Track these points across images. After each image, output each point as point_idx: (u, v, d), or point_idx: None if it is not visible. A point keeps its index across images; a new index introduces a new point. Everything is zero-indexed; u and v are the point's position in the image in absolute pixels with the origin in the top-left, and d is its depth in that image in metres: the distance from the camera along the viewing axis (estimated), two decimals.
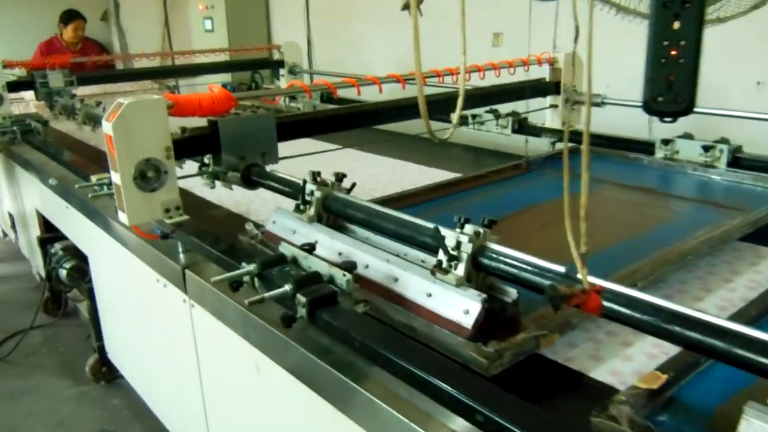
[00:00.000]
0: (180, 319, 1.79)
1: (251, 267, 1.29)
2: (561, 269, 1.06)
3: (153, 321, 2.07)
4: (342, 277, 1.21)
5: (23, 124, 3.17)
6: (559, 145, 2.74)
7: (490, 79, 2.50)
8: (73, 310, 3.29)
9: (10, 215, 3.92)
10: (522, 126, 2.79)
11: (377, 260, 1.33)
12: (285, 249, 1.37)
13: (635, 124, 3.04)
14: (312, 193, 1.55)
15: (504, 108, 2.76)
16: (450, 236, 1.19)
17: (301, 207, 1.56)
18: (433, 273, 1.21)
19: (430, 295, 1.20)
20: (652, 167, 2.30)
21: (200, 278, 1.62)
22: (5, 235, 4.41)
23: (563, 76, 2.67)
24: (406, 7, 1.10)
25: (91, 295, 2.57)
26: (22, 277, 3.89)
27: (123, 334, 2.46)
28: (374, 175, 2.55)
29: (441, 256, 1.19)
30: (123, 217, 1.63)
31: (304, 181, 1.54)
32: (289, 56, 4.31)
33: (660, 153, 2.30)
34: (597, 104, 2.63)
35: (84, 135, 3.45)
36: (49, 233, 3.17)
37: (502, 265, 1.14)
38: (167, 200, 1.67)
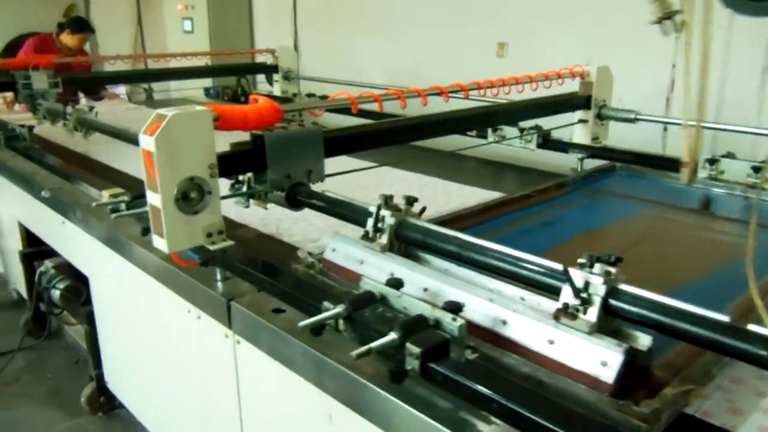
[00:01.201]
0: (218, 356, 1.60)
1: (339, 309, 1.13)
2: (725, 318, 0.94)
3: (177, 354, 1.87)
4: (452, 322, 1.05)
5: (6, 129, 2.90)
6: (589, 162, 2.65)
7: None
8: (56, 330, 3.02)
9: None
10: (547, 141, 2.68)
11: (478, 299, 1.18)
12: (369, 285, 1.21)
13: (645, 138, 2.99)
14: (383, 218, 1.39)
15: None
16: (577, 276, 1.05)
17: (371, 234, 1.40)
18: (556, 317, 1.07)
19: (552, 342, 1.06)
20: (696, 188, 2.21)
21: (252, 312, 1.43)
22: None
23: (595, 90, 2.57)
24: (661, 20, 0.94)
25: (90, 319, 2.33)
26: None
27: (130, 364, 2.24)
28: (402, 192, 2.40)
29: (568, 298, 1.05)
30: (160, 243, 1.45)
31: (379, 206, 1.38)
32: (284, 61, 4.13)
33: (703, 173, 2.22)
34: (630, 120, 2.55)
35: (69, 141, 3.19)
36: (33, 247, 2.91)
37: (640, 310, 1.01)
38: (209, 224, 1.49)
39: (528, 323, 1.10)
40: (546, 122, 2.70)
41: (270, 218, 2.03)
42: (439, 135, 2.05)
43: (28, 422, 2.52)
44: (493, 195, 2.36)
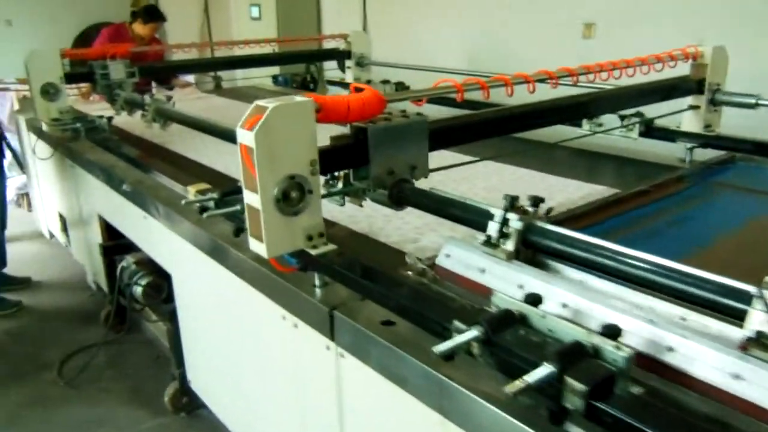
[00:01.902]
0: (318, 367, 1.48)
1: (475, 331, 0.98)
2: None
3: (268, 360, 1.77)
4: (615, 351, 0.89)
5: (86, 120, 2.87)
6: (701, 152, 2.41)
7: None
8: (135, 324, 3.00)
9: (61, 217, 3.63)
10: (650, 129, 2.45)
11: (634, 320, 1.01)
12: (504, 301, 1.05)
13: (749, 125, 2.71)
14: (508, 222, 1.23)
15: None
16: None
17: (493, 239, 1.25)
18: (744, 348, 0.89)
19: (739, 377, 0.88)
20: None
21: (359, 324, 1.30)
22: (52, 236, 4.14)
23: (709, 72, 2.33)
24: None
25: (172, 317, 2.27)
26: (75, 285, 3.61)
27: (214, 365, 2.16)
28: (497, 185, 2.23)
29: (761, 325, 0.87)
30: (258, 247, 1.33)
31: (506, 208, 1.22)
32: (357, 46, 3.98)
33: None
34: (749, 106, 2.29)
35: (146, 131, 3.15)
36: (113, 240, 2.88)
37: None
38: (310, 225, 1.37)
39: (704, 352, 0.92)
40: (647, 109, 2.47)
41: (360, 215, 1.90)
42: (548, 124, 1.87)
43: (112, 420, 2.49)
44: (597, 189, 2.17)
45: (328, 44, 4.10)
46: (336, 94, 4.23)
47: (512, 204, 1.24)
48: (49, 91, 2.97)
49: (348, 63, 4.02)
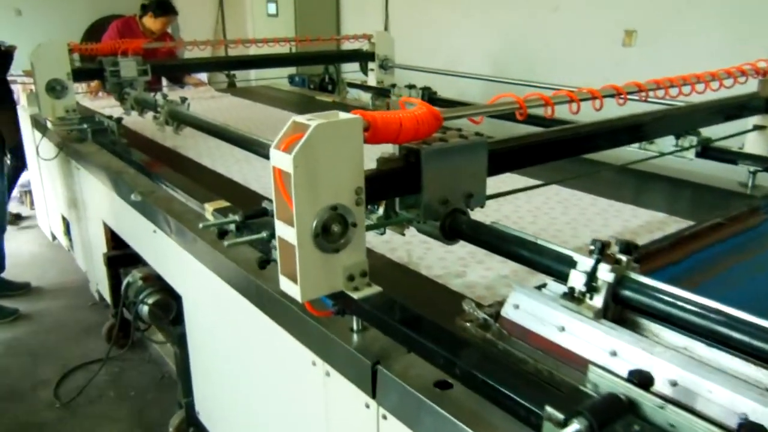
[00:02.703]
0: (354, 426, 1.28)
1: (578, 425, 0.77)
2: None
3: (292, 405, 1.56)
4: None
5: (94, 121, 2.67)
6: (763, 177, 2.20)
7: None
8: (139, 340, 2.80)
9: (64, 219, 3.44)
10: (707, 149, 2.23)
11: None
12: (605, 381, 0.84)
13: None
14: (596, 273, 1.02)
15: None
16: None
17: (577, 293, 1.03)
18: None
19: None
20: None
21: (409, 386, 1.10)
22: (54, 238, 3.94)
23: None
24: None
25: (181, 341, 2.06)
26: (76, 292, 3.41)
27: (227, 399, 1.95)
28: (541, 208, 2.02)
29: None
30: (290, 288, 1.14)
31: (598, 258, 1.00)
32: (381, 48, 3.78)
33: None
34: None
35: (156, 132, 2.95)
36: (118, 250, 2.68)
37: None
38: (352, 264, 1.17)
39: None
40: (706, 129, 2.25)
41: (397, 240, 1.69)
42: (617, 145, 1.66)
43: None
44: (657, 217, 1.96)
45: (349, 45, 3.87)
46: (357, 97, 4.04)
47: (602, 251, 1.03)
48: (56, 88, 2.78)
49: (371, 65, 3.81)
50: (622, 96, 1.60)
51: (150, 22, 4.37)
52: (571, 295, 1.05)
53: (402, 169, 1.23)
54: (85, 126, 2.60)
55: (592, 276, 1.02)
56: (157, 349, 2.65)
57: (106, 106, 3.69)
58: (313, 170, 1.06)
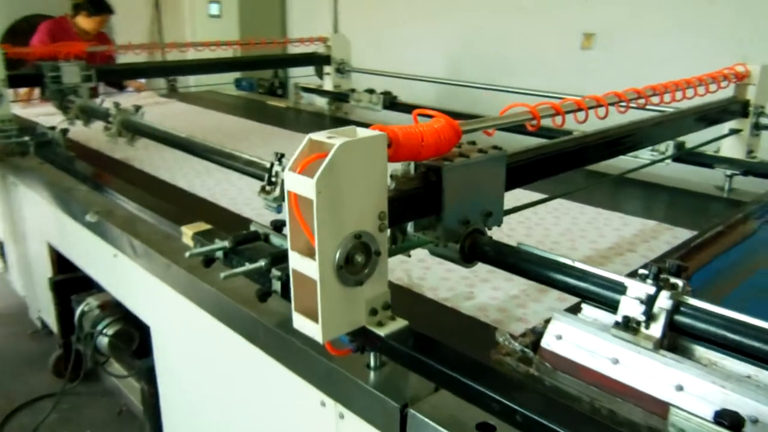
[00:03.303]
0: None
1: None
2: None
3: None
4: None
5: (36, 134, 2.42)
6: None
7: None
8: (91, 370, 2.56)
9: None
10: (686, 154, 2.23)
11: None
12: (687, 422, 0.76)
13: None
14: (654, 300, 0.94)
15: None
16: None
17: (633, 322, 0.95)
18: None
19: None
20: None
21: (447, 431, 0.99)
22: None
23: (755, 94, 2.13)
24: None
25: (149, 376, 1.87)
26: (13, 319, 3.10)
27: None
28: (531, 218, 1.95)
29: None
30: (309, 327, 1.02)
31: (660, 285, 0.92)
32: (337, 51, 3.65)
33: None
34: None
35: (102, 142, 2.73)
36: (66, 274, 2.45)
37: None
38: (375, 296, 1.06)
39: None
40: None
41: (392, 260, 1.58)
42: (623, 153, 1.61)
43: None
44: (648, 224, 1.93)
45: (302, 48, 3.71)
46: (311, 102, 3.89)
47: (658, 275, 0.95)
48: None
49: (327, 69, 3.67)
50: (624, 103, 1.55)
51: (84, 22, 4.07)
52: (624, 324, 0.96)
53: (422, 188, 1.12)
54: (26, 138, 2.35)
55: (651, 304, 0.93)
56: (112, 380, 2.43)
57: (41, 114, 3.41)
58: (336, 195, 0.94)
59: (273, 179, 1.55)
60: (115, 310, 2.05)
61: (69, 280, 2.42)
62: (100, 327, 2.00)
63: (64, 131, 2.38)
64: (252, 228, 1.40)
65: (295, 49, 3.80)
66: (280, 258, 1.25)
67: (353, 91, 3.41)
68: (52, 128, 2.43)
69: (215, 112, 3.67)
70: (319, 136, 0.98)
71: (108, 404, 2.45)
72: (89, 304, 2.07)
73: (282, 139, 3.02)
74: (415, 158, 1.10)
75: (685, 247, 1.50)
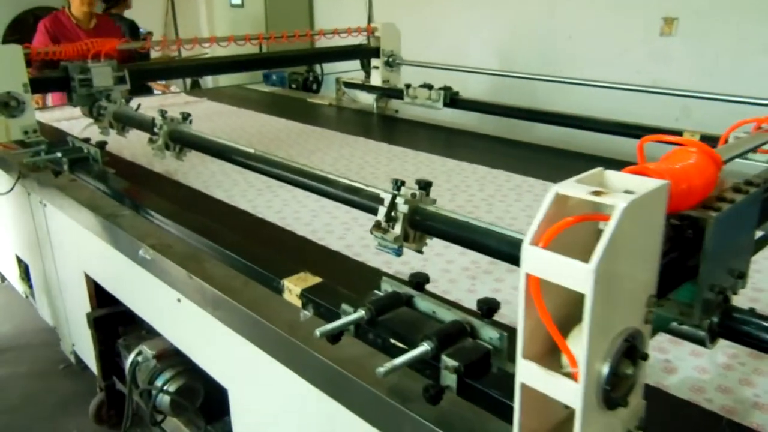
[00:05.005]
0: None
1: None
2: None
3: None
4: None
5: (70, 149, 2.08)
6: None
7: None
8: (136, 414, 2.23)
9: (20, 261, 2.81)
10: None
11: None
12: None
13: None
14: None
15: None
16: None
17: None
18: None
19: None
20: None
21: None
22: (3, 279, 3.29)
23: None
24: None
25: None
26: (41, 351, 2.76)
27: None
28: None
29: None
30: None
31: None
32: (387, 42, 3.29)
33: None
34: None
35: (138, 154, 2.40)
36: (107, 308, 2.12)
37: None
38: (630, 416, 0.73)
39: None
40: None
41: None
42: None
43: None
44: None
45: (338, 41, 3.30)
46: (354, 98, 3.53)
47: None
48: (9, 104, 2.18)
49: (375, 62, 3.32)
50: None
51: (76, 7, 3.68)
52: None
53: (674, 250, 0.78)
54: (58, 154, 2.00)
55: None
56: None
57: (61, 119, 3.08)
58: (611, 282, 0.62)
59: (393, 214, 1.20)
60: (176, 360, 1.72)
61: (111, 316, 2.10)
62: (159, 382, 1.67)
63: (102, 145, 2.04)
64: (385, 285, 1.06)
65: (328, 42, 3.43)
66: (447, 337, 0.91)
67: (408, 86, 3.05)
68: (87, 140, 2.09)
69: (253, 112, 3.32)
70: (573, 189, 0.65)
71: None
72: (144, 353, 1.74)
73: (338, 144, 2.67)
74: (678, 208, 0.76)
75: None
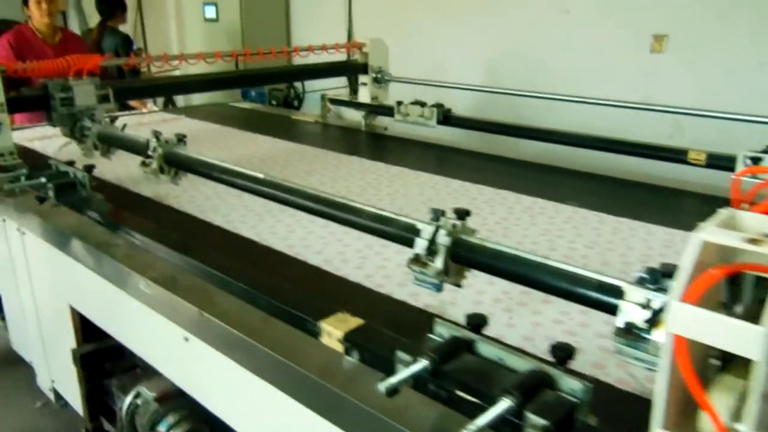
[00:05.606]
0: None
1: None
2: None
3: None
4: None
5: (55, 174, 1.93)
6: None
7: None
8: None
9: None
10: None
11: None
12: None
13: None
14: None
15: None
16: None
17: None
18: None
19: None
20: None
21: None
22: None
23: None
24: None
25: None
26: (14, 387, 2.59)
27: None
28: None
29: None
30: None
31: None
32: (375, 58, 3.22)
33: None
34: None
35: (123, 177, 2.26)
36: (93, 343, 1.97)
37: None
38: None
39: None
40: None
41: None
42: None
43: None
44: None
45: (305, 59, 3.19)
46: (340, 115, 3.44)
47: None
48: None
49: (363, 79, 3.24)
50: None
51: (37, 19, 3.49)
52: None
53: None
54: (42, 180, 1.85)
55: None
56: None
57: (33, 138, 2.91)
58: None
59: (433, 247, 1.11)
60: (179, 402, 1.59)
61: (98, 352, 1.95)
62: (163, 428, 1.54)
63: (89, 168, 1.90)
64: (440, 329, 0.97)
65: (305, 60, 3.33)
66: (528, 391, 0.83)
67: (400, 103, 2.98)
68: (71, 163, 1.94)
69: (237, 129, 3.20)
70: (723, 237, 0.57)
71: None
72: (144, 395, 1.60)
73: (332, 164, 2.57)
74: None
75: None
